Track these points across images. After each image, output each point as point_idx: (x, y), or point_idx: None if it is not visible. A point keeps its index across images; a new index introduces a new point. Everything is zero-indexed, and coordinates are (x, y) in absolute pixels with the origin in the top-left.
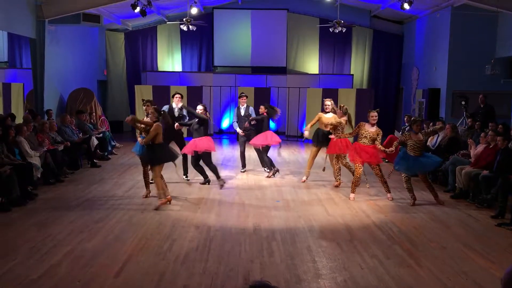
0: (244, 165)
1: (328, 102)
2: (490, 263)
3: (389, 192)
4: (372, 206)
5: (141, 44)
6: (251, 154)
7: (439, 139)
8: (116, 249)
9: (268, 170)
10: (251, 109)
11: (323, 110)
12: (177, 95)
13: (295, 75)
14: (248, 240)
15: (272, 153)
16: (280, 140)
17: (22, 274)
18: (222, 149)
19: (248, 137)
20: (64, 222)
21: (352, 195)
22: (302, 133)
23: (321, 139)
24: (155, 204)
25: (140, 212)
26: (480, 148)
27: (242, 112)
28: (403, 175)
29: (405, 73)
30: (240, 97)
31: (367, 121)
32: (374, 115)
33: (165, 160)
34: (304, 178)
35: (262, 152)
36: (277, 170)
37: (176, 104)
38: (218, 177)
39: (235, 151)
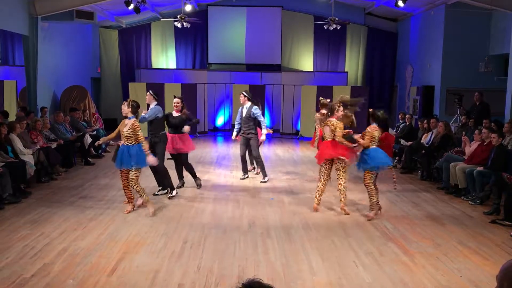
0: (245, 171)
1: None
2: (484, 259)
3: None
4: (366, 204)
5: (135, 41)
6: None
7: (432, 136)
8: (110, 247)
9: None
10: (255, 108)
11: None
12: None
13: (290, 72)
14: (242, 238)
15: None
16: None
17: (15, 273)
18: (217, 147)
19: (247, 141)
20: (58, 220)
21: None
22: (297, 131)
23: None
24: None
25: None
26: (474, 145)
27: (244, 113)
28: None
29: (400, 70)
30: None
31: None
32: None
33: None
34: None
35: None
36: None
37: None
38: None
39: (230, 149)
